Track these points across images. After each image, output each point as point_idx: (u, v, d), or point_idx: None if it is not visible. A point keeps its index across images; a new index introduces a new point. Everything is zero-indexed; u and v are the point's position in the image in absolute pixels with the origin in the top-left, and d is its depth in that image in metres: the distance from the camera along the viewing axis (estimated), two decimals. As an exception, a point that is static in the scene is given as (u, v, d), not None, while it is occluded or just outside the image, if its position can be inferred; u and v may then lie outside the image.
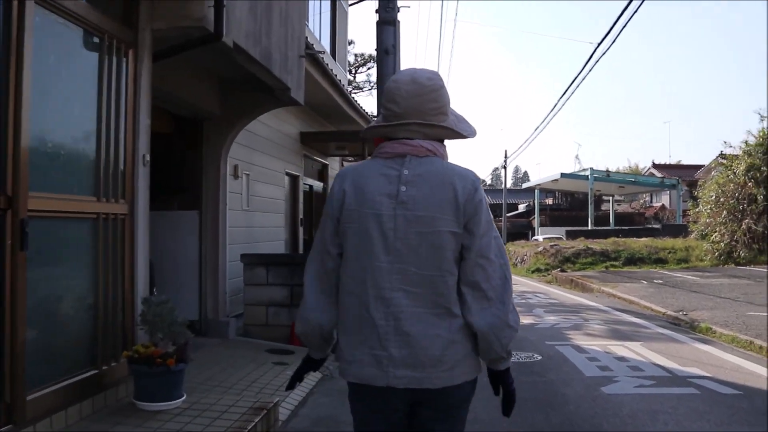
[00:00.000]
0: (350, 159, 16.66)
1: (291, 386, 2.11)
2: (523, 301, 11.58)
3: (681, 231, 28.08)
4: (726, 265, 19.74)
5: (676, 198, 36.18)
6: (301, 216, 10.38)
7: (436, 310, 1.80)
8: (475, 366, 1.88)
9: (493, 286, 1.82)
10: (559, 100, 28.27)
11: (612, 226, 34.89)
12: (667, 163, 50.71)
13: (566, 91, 22.90)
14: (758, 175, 20.31)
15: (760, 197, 20.03)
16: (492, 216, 1.92)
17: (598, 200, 40.50)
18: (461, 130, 1.93)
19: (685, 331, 7.89)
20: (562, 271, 18.90)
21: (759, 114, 22.06)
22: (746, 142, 21.68)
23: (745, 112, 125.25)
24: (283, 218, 9.40)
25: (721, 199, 21.41)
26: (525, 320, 8.55)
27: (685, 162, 50.71)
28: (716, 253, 20.58)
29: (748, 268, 18.51)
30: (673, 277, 15.74)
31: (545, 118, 39.90)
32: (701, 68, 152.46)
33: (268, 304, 6.71)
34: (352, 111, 10.88)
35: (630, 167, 56.87)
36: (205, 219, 6.48)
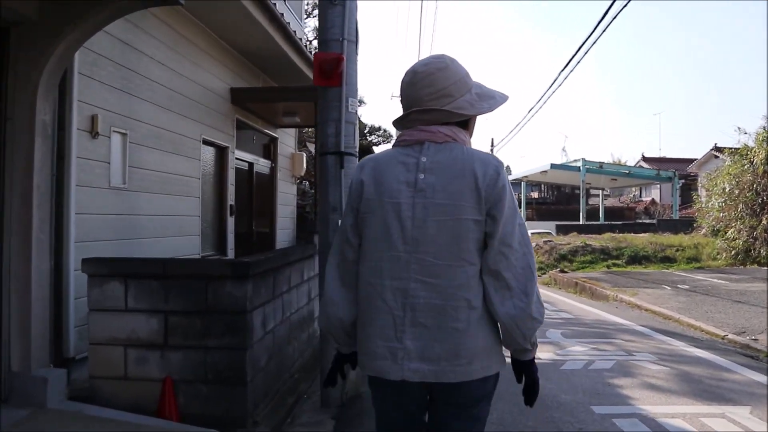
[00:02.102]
0: (310, 134, 13.90)
1: (329, 383, 2.01)
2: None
3: (678, 226, 25.81)
4: (745, 266, 17.31)
5: (672, 192, 33.91)
6: (231, 202, 7.61)
7: (454, 302, 1.73)
8: (496, 360, 1.81)
9: (515, 275, 1.73)
10: (551, 86, 25.81)
11: (602, 221, 32.70)
12: (658, 156, 48.65)
13: (557, 78, 20.32)
14: (780, 164, 17.89)
15: (781, 189, 17.63)
16: (516, 203, 1.83)
17: (586, 194, 38.19)
18: (459, 110, 1.81)
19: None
20: (562, 271, 16.35)
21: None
22: (764, 128, 19.28)
23: (737, 106, 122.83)
24: (199, 204, 6.64)
25: (736, 192, 19.02)
26: (542, 353, 5.89)
27: (670, 156, 48.50)
28: (732, 252, 18.16)
29: (774, 269, 16.06)
30: (697, 280, 13.24)
31: (538, 101, 37.52)
32: (692, 60, 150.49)
33: (127, 343, 3.97)
34: (303, 63, 8.14)
35: (614, 161, 54.62)
36: (8, 199, 3.70)
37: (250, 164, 8.64)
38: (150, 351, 3.95)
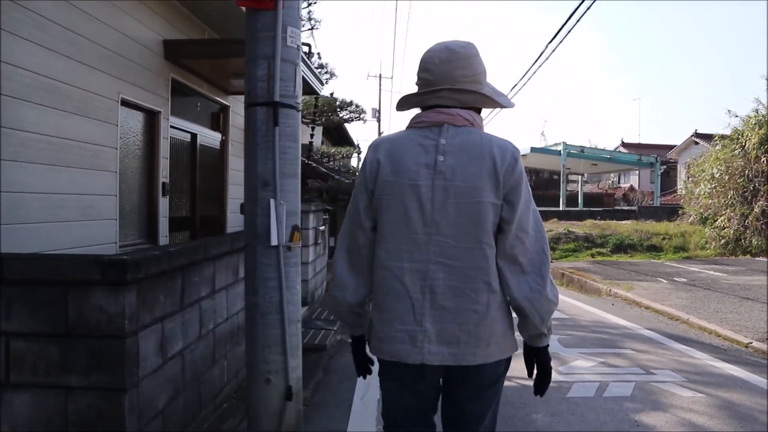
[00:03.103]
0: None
1: (363, 371, 2.01)
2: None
3: (660, 214, 25.02)
4: (736, 256, 16.46)
5: (654, 178, 33.15)
6: (164, 179, 6.29)
7: (474, 284, 1.73)
8: (512, 344, 1.84)
9: (531, 259, 1.76)
10: (537, 59, 24.62)
11: (581, 207, 31.86)
12: (637, 142, 48.01)
13: (543, 51, 19.06)
14: (774, 149, 16.97)
15: (775, 175, 16.74)
16: (530, 188, 1.82)
17: (565, 179, 37.30)
18: (495, 97, 1.85)
19: None
20: (546, 261, 15.24)
21: (766, 79, 18.68)
22: (756, 111, 18.36)
23: (720, 91, 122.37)
24: (116, 180, 5.31)
25: (726, 178, 18.12)
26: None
27: (650, 142, 47.86)
28: (722, 241, 17.29)
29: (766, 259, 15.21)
30: (693, 272, 12.27)
31: (522, 77, 36.29)
32: (671, 46, 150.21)
33: (-47, 378, 2.68)
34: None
35: (592, 147, 53.94)
36: None
37: (193, 135, 7.30)
38: (-15, 391, 2.68)
